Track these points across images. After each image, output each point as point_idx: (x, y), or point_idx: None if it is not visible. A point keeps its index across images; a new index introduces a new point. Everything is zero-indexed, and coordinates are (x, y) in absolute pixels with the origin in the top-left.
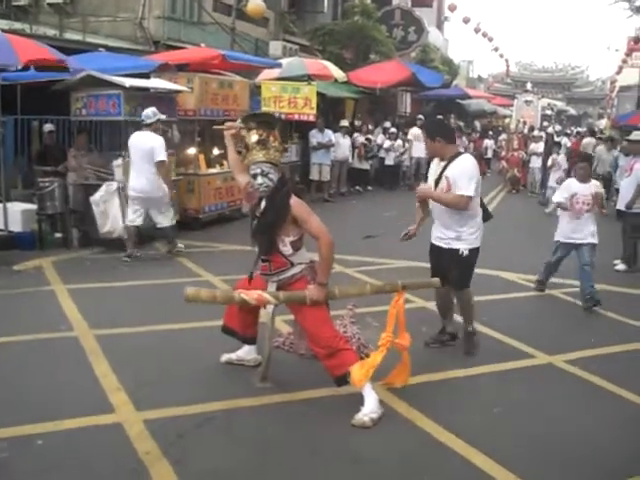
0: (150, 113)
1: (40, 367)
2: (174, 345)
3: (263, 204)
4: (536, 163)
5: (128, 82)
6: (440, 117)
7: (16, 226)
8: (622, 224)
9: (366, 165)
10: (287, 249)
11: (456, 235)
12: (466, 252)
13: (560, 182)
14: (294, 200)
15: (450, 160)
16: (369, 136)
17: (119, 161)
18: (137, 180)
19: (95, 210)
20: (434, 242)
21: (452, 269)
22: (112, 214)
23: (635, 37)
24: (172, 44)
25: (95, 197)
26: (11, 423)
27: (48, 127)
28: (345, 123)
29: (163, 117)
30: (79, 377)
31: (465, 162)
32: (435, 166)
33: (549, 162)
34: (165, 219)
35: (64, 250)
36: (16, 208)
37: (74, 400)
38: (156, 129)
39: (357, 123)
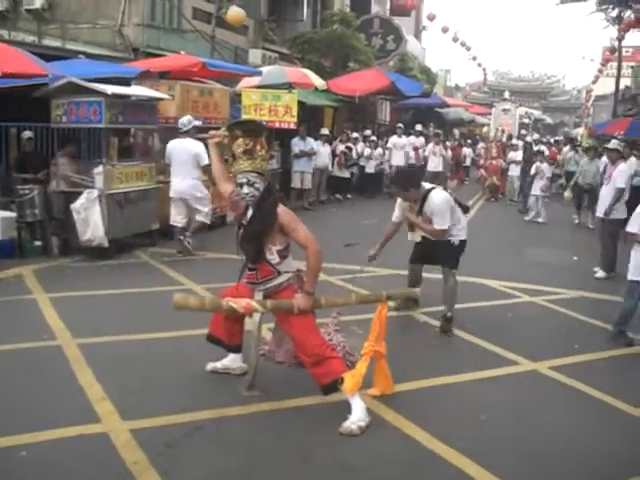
0: (185, 121)
1: (23, 377)
2: (158, 354)
3: (249, 213)
4: (515, 171)
5: (110, 89)
6: (406, 170)
7: None
8: (600, 231)
9: (346, 173)
10: (274, 258)
11: (448, 235)
12: (457, 242)
13: (546, 189)
14: (281, 209)
15: (423, 199)
16: (349, 144)
17: (100, 168)
18: (181, 183)
19: (76, 218)
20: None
21: (445, 255)
22: (93, 222)
23: (611, 47)
24: (151, 51)
25: (76, 205)
26: None
27: (27, 134)
28: (325, 131)
29: (198, 123)
30: (63, 387)
31: (436, 201)
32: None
33: (532, 170)
34: (206, 217)
35: (44, 258)
36: None
37: (58, 410)
38: (192, 135)
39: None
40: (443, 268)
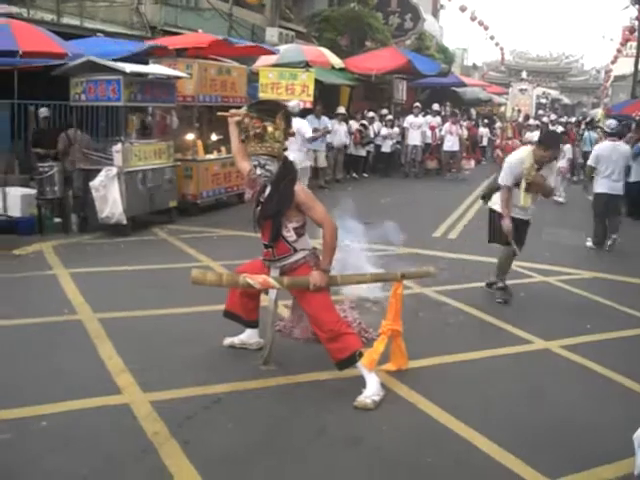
0: (295, 105)
1: (46, 349)
2: (176, 328)
3: (267, 190)
4: None
5: (128, 68)
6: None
7: (15, 211)
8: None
9: (362, 152)
10: (290, 235)
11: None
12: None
13: (565, 171)
14: (298, 187)
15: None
16: (364, 122)
17: (118, 146)
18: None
19: (95, 195)
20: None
21: (524, 233)
22: (111, 199)
23: (630, 27)
24: (168, 29)
25: (95, 182)
26: (15, 405)
27: (43, 112)
28: (342, 110)
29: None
30: (84, 359)
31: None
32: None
33: None
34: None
35: (63, 235)
36: (15, 193)
37: (80, 381)
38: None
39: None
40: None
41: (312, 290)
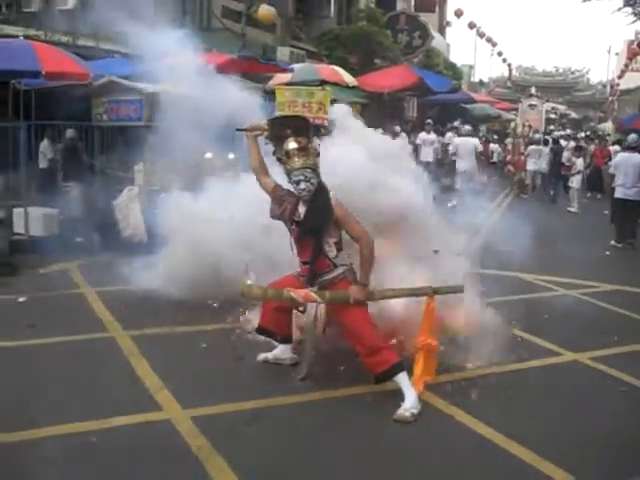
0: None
1: (84, 367)
2: (209, 345)
3: (302, 208)
4: (532, 166)
5: (149, 88)
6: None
7: (37, 230)
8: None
9: None
10: (331, 250)
11: None
12: None
13: (577, 184)
14: (335, 202)
15: None
16: None
17: (140, 166)
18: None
19: (117, 214)
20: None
21: None
22: (133, 218)
23: (637, 41)
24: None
25: (117, 201)
26: (62, 421)
27: (69, 133)
28: None
29: None
30: (122, 377)
31: None
32: None
33: (566, 163)
34: None
35: (86, 254)
36: (37, 213)
37: (122, 399)
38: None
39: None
40: None
41: (352, 304)
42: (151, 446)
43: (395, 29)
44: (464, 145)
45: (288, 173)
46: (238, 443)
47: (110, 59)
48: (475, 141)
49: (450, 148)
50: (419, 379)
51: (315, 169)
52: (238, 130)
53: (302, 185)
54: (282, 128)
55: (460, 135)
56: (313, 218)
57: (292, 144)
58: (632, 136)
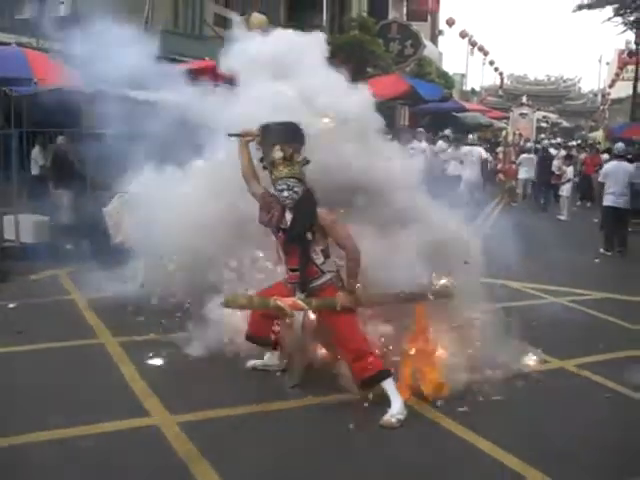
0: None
1: (75, 373)
2: (197, 351)
3: (288, 216)
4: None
5: (141, 96)
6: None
7: (28, 237)
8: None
9: None
10: (318, 257)
11: None
12: None
13: (567, 192)
14: (321, 210)
15: None
16: None
17: (129, 172)
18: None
19: (107, 221)
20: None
21: None
22: (124, 225)
23: (627, 50)
24: (174, 57)
25: (108, 208)
26: (51, 427)
27: (60, 140)
28: None
29: None
30: (111, 383)
31: None
32: None
33: (556, 172)
34: None
35: (77, 261)
36: (27, 220)
37: (111, 405)
38: None
39: None
40: None
41: (339, 310)
42: (138, 451)
43: (387, 38)
44: (469, 154)
45: (273, 182)
46: (224, 449)
47: None
48: (480, 150)
49: (442, 156)
50: (405, 385)
51: (301, 178)
52: (230, 135)
53: (285, 194)
54: (271, 135)
55: (450, 143)
56: (298, 226)
57: (278, 153)
58: (619, 145)
